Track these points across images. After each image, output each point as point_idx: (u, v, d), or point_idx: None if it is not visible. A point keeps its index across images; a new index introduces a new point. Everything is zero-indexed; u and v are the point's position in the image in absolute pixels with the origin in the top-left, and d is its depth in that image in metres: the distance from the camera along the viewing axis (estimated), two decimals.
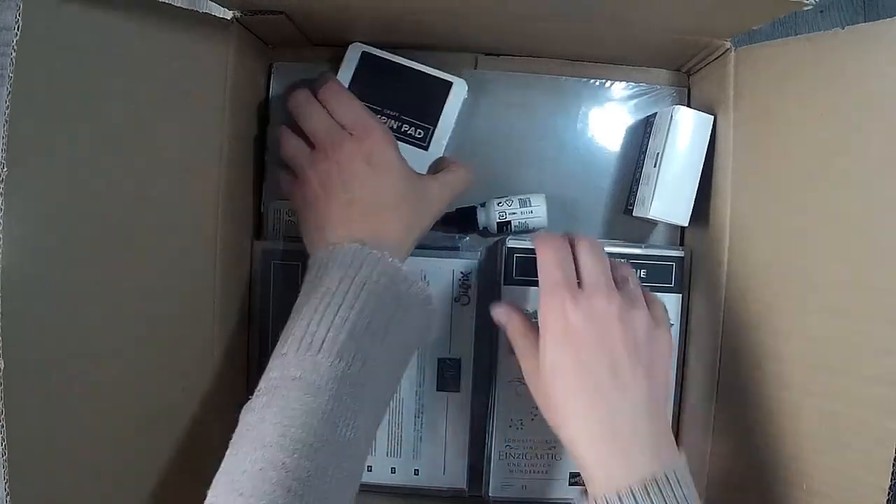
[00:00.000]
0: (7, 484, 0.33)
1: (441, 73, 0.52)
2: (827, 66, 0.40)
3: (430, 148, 0.52)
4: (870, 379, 0.36)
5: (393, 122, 0.52)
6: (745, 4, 0.40)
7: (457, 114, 0.52)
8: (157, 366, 0.43)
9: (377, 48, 0.51)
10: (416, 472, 0.54)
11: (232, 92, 0.48)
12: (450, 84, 0.52)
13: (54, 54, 0.35)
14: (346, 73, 0.51)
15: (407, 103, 0.52)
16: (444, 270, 0.53)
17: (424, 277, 0.53)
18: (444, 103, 0.52)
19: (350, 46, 0.51)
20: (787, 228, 0.43)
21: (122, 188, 0.40)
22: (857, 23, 0.45)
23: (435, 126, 0.52)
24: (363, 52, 0.51)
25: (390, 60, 0.52)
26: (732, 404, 0.47)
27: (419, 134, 0.52)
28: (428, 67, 0.51)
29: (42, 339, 0.35)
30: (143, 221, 0.41)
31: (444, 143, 0.52)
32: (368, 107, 0.47)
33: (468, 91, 0.53)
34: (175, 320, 0.44)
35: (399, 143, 0.47)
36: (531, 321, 0.43)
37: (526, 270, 0.52)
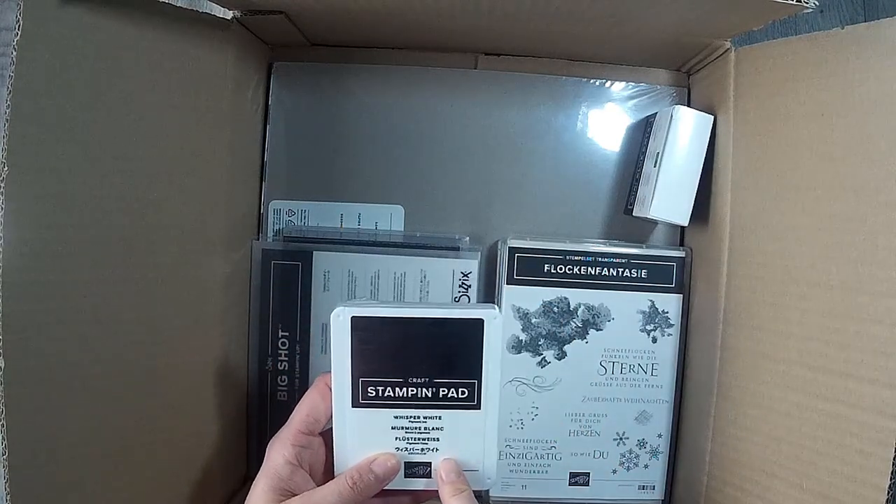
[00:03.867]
0: (7, 484, 0.33)
1: (464, 310, 0.39)
2: (827, 65, 0.40)
3: (484, 405, 0.40)
4: (869, 380, 0.36)
5: (426, 390, 0.39)
6: (746, 6, 0.40)
7: (500, 350, 0.39)
8: (156, 365, 0.43)
9: (367, 306, 0.39)
10: None
11: (232, 92, 0.48)
12: (481, 322, 0.39)
13: (54, 54, 0.35)
14: (342, 351, 0.39)
15: (434, 362, 0.39)
16: (444, 270, 0.53)
17: (424, 277, 0.53)
18: (482, 346, 0.39)
19: (332, 315, 0.38)
20: (786, 228, 0.43)
21: (122, 188, 0.40)
22: (857, 23, 0.45)
23: (479, 378, 0.40)
24: (353, 318, 0.38)
25: (392, 317, 0.39)
26: (732, 404, 0.47)
27: (464, 394, 0.40)
28: (442, 308, 0.39)
29: (42, 339, 0.35)
30: (143, 221, 0.41)
31: (497, 393, 0.40)
32: (385, 381, 0.39)
33: (499, 313, 0.39)
34: (175, 320, 0.44)
35: (444, 411, 0.39)
36: None
37: (527, 270, 0.53)
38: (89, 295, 0.38)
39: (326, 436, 0.40)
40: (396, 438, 0.40)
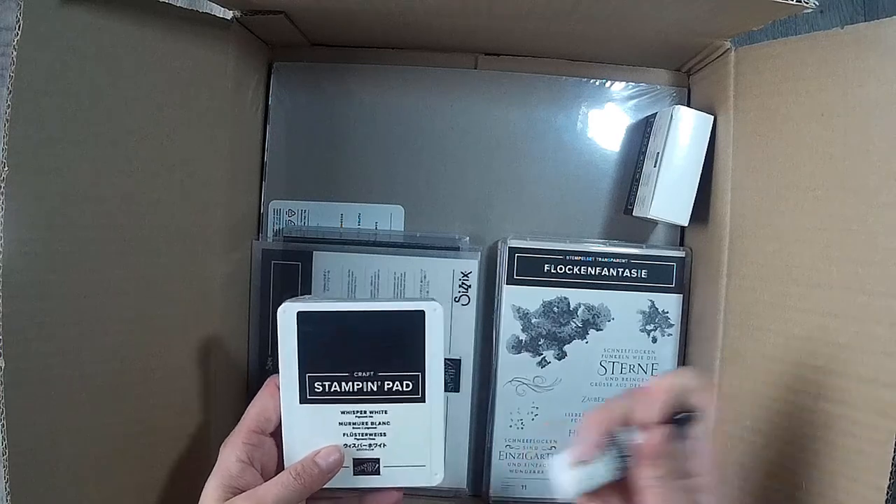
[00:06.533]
0: (7, 484, 0.33)
1: (405, 303, 0.40)
2: (827, 65, 0.40)
3: (429, 398, 0.40)
4: (869, 380, 0.36)
5: (371, 383, 0.40)
6: (746, 6, 0.40)
7: (442, 342, 0.40)
8: (157, 365, 0.43)
9: (312, 301, 0.40)
10: None
11: (232, 92, 0.48)
12: (422, 313, 0.40)
13: (54, 54, 0.35)
14: (289, 347, 0.39)
15: (378, 355, 0.40)
16: (444, 270, 0.53)
17: (425, 277, 0.53)
18: (424, 338, 0.39)
19: (279, 311, 0.39)
20: (786, 228, 0.43)
21: (122, 188, 0.40)
22: (857, 23, 0.45)
23: (423, 370, 0.40)
24: (298, 313, 0.39)
25: (336, 311, 0.39)
26: (732, 404, 0.47)
27: (408, 387, 0.40)
28: (385, 302, 0.40)
29: (42, 339, 0.35)
30: (143, 221, 0.41)
31: (441, 384, 0.40)
32: (331, 376, 0.39)
33: (442, 309, 0.40)
34: (175, 320, 0.44)
35: (389, 405, 0.40)
36: None
37: (527, 270, 0.53)
38: (89, 295, 0.38)
39: (278, 436, 0.40)
40: (344, 434, 0.40)
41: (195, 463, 0.46)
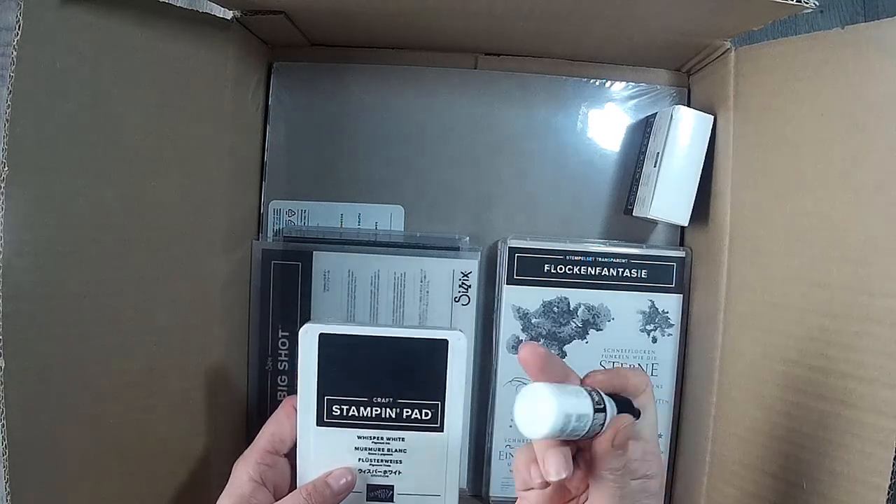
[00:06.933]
0: (7, 484, 0.33)
1: (430, 330, 0.40)
2: (827, 65, 0.40)
3: (447, 428, 0.40)
4: (869, 380, 0.36)
5: (390, 410, 0.40)
6: (746, 6, 0.40)
7: (465, 373, 0.40)
8: (157, 365, 0.43)
9: (335, 324, 0.39)
10: None
11: (232, 92, 0.48)
12: (445, 342, 0.39)
13: (55, 55, 0.35)
14: (308, 368, 0.39)
15: (399, 382, 0.40)
16: (444, 270, 0.53)
17: (425, 277, 0.53)
18: (446, 367, 0.39)
19: (301, 331, 0.39)
20: (787, 228, 0.43)
21: (122, 188, 0.40)
22: (857, 22, 0.45)
23: (443, 400, 0.40)
24: (321, 335, 0.39)
25: (359, 335, 0.39)
26: (732, 404, 0.47)
27: (427, 416, 0.40)
28: (409, 329, 0.40)
29: (42, 339, 0.35)
30: (143, 221, 0.41)
31: (461, 415, 0.40)
32: (350, 400, 0.39)
33: (466, 340, 0.40)
34: (175, 320, 0.44)
35: (406, 432, 0.40)
36: None
37: (527, 270, 0.53)
38: (89, 295, 0.38)
39: (292, 457, 0.40)
40: (359, 459, 0.40)
41: (195, 462, 0.46)
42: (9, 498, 0.33)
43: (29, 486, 0.34)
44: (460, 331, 0.39)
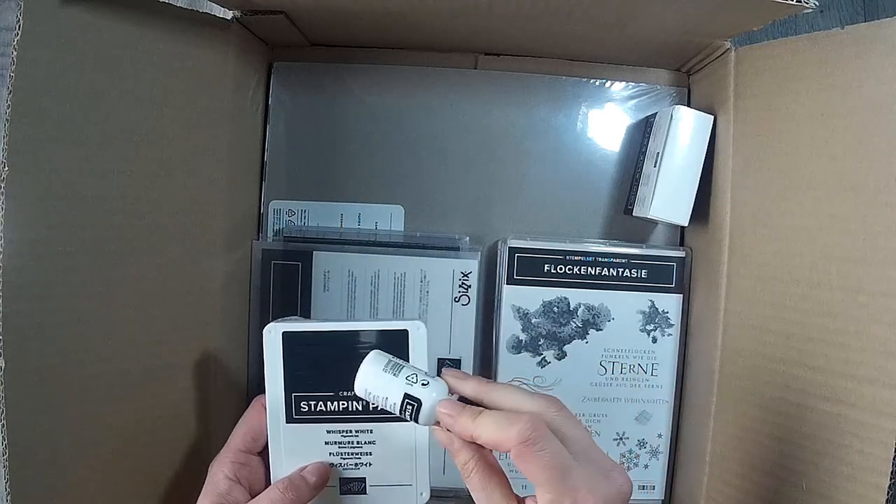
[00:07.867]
0: (7, 484, 0.33)
1: (388, 322, 0.40)
2: (827, 65, 0.40)
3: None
4: (869, 380, 0.36)
5: (356, 403, 0.40)
6: (746, 6, 0.40)
7: (426, 363, 0.39)
8: (156, 365, 0.43)
9: (298, 322, 0.40)
10: None
11: (232, 92, 0.48)
12: (405, 332, 0.40)
13: (54, 54, 0.35)
14: (274, 367, 0.39)
15: None
16: (444, 270, 0.53)
17: (424, 277, 0.53)
18: (408, 357, 0.39)
19: (264, 331, 0.39)
20: (786, 228, 0.43)
21: (122, 188, 0.40)
22: (857, 23, 0.45)
23: None
24: (284, 333, 0.39)
25: (321, 331, 0.40)
26: (732, 404, 0.47)
27: None
28: (369, 322, 0.40)
29: (42, 339, 0.35)
30: (143, 221, 0.41)
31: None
32: (317, 396, 0.40)
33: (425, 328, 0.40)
34: (175, 320, 0.44)
35: (374, 424, 0.40)
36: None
37: (527, 270, 0.53)
38: (89, 295, 0.38)
39: (265, 455, 0.40)
40: (330, 454, 0.40)
41: (195, 461, 0.46)
42: (9, 498, 0.33)
43: (29, 486, 0.34)
44: (418, 319, 0.40)
